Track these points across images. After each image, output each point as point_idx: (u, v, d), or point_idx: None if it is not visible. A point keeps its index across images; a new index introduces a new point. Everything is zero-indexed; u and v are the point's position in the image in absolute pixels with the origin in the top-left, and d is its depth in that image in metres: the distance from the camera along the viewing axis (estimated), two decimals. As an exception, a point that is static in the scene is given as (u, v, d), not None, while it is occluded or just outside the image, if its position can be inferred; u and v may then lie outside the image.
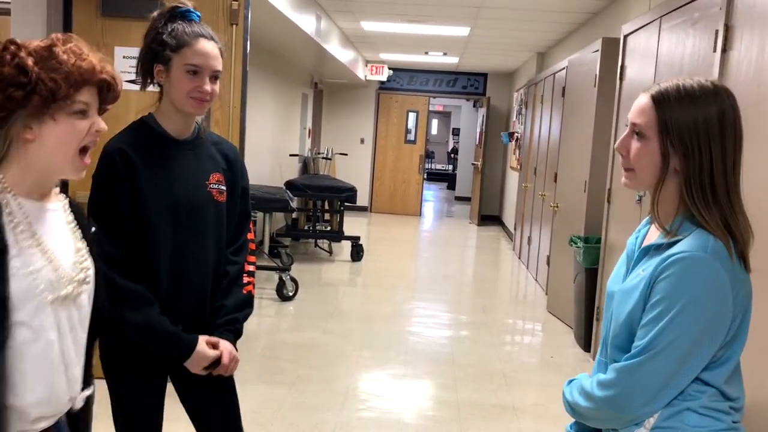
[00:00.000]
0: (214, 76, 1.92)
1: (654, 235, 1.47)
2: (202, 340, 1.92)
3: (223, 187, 2.02)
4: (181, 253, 1.92)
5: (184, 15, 1.90)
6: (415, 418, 3.78)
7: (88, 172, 1.52)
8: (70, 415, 1.46)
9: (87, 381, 1.51)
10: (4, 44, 1.34)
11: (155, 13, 1.92)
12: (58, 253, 1.39)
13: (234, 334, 2.00)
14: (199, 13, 1.95)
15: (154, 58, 1.89)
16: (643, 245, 1.49)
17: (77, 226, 1.48)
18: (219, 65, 1.92)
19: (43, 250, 1.36)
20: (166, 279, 1.91)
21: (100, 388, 2.01)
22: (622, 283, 1.49)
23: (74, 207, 1.52)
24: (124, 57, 3.61)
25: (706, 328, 1.31)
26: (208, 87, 1.90)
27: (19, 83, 1.30)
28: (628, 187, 1.48)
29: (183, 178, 1.93)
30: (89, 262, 1.46)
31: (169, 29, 1.88)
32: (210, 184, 1.98)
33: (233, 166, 2.07)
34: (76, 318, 1.43)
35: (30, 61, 1.31)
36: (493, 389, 4.26)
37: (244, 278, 2.06)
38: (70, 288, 1.39)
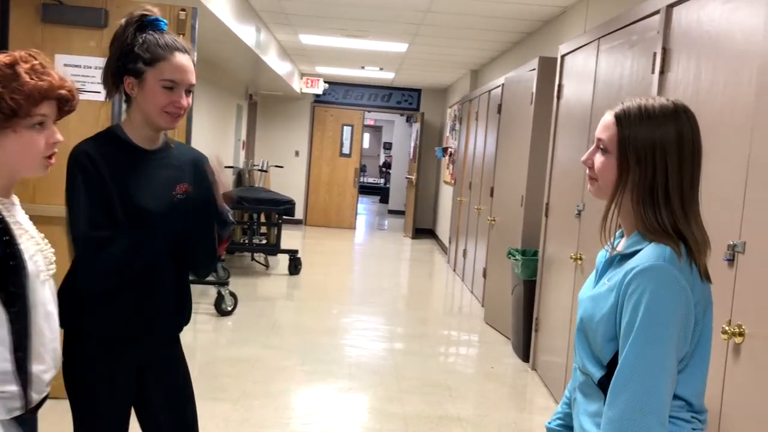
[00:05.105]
0: (189, 90, 1.89)
1: (621, 246, 1.54)
2: None
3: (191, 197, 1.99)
4: (142, 260, 1.88)
5: (153, 24, 1.87)
6: None
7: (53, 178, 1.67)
8: None
9: None
10: None
11: (123, 21, 1.88)
12: (39, 240, 1.60)
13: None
14: (166, 21, 1.92)
15: (125, 70, 1.85)
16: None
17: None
18: (194, 79, 1.91)
19: (31, 236, 1.56)
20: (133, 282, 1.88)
21: (61, 410, 1.96)
22: (591, 291, 1.55)
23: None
24: (65, 65, 3.51)
25: (676, 336, 1.38)
26: (184, 101, 1.88)
27: None
28: (592, 194, 1.57)
29: (148, 188, 1.90)
30: (50, 246, 1.66)
31: (141, 41, 1.84)
32: (177, 194, 1.95)
33: (201, 174, 2.05)
34: (52, 295, 1.63)
35: None
36: (438, 400, 4.30)
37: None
38: (53, 268, 1.61)
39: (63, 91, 1.52)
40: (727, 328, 2.33)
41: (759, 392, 2.22)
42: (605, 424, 1.40)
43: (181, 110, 1.88)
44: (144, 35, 1.85)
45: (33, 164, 1.54)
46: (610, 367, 1.44)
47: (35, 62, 1.50)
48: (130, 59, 1.84)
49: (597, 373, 1.47)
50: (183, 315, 2.06)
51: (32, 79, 1.46)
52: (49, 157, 1.56)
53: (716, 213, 2.47)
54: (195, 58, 2.00)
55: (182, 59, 1.86)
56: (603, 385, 1.45)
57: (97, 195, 1.81)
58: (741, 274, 2.34)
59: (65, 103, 1.56)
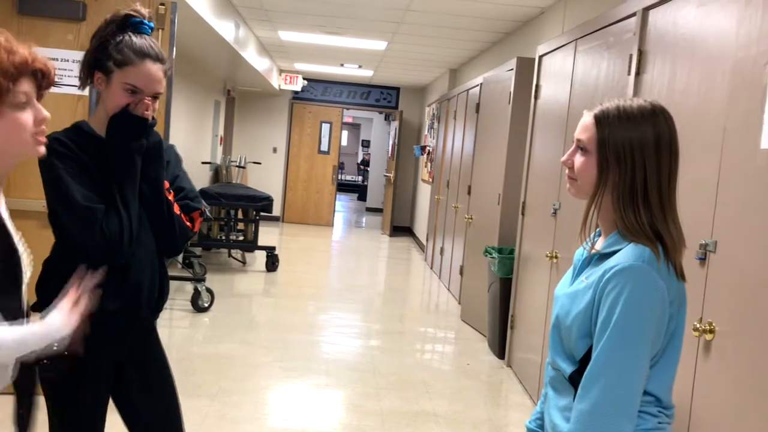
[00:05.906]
0: (154, 97, 1.90)
1: (600, 245, 1.57)
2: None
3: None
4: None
5: (135, 27, 1.87)
6: (340, 428, 3.79)
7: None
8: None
9: None
10: None
11: (108, 17, 1.87)
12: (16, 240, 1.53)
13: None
14: (152, 24, 1.92)
15: (97, 64, 1.86)
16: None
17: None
18: (160, 88, 1.90)
19: (18, 236, 1.51)
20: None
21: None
22: (567, 288, 1.58)
23: None
24: (41, 58, 3.47)
25: (651, 336, 1.40)
26: (144, 106, 1.87)
27: None
28: (572, 194, 1.60)
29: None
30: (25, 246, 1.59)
31: (117, 40, 1.85)
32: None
33: (170, 166, 2.05)
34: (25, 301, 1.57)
35: None
36: (415, 397, 4.33)
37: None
38: (30, 270, 1.56)
39: (38, 65, 1.48)
40: (698, 325, 2.38)
41: (728, 388, 2.27)
42: (575, 417, 1.42)
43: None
44: (123, 36, 1.85)
45: (24, 144, 1.49)
46: (582, 362, 1.46)
47: (0, 38, 1.45)
48: (103, 55, 1.85)
49: (568, 369, 1.50)
50: (162, 295, 2.05)
51: (2, 54, 1.41)
52: (38, 134, 1.51)
53: (688, 212, 2.52)
54: (172, 65, 1.98)
55: (152, 68, 1.86)
56: (573, 380, 1.48)
57: (80, 175, 1.82)
58: (712, 273, 2.39)
59: (43, 78, 1.51)
